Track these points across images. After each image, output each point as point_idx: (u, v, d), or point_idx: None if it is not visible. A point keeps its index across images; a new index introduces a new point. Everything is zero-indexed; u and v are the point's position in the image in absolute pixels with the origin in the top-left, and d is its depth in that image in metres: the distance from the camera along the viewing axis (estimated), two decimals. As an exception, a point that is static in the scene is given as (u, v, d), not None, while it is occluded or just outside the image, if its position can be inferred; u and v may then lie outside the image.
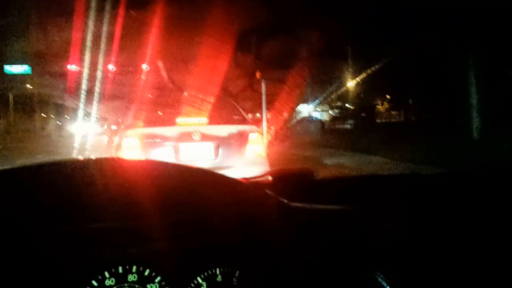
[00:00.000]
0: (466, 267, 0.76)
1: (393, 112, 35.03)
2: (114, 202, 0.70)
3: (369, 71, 17.23)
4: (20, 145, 20.23)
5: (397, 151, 10.20)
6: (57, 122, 34.85)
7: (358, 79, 20.13)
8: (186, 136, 5.02)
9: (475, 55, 12.89)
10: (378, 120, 30.57)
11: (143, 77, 14.53)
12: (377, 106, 33.34)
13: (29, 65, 24.20)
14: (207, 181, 0.68)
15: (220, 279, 0.84)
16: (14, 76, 26.20)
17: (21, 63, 24.24)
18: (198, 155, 4.99)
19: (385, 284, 0.61)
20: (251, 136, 5.28)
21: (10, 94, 29.80)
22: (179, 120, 5.31)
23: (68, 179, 0.66)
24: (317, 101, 25.31)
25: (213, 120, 5.37)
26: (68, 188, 0.67)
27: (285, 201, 0.68)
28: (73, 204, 0.71)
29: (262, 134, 7.56)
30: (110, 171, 0.66)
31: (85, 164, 0.68)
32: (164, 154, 4.90)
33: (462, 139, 12.29)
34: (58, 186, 0.67)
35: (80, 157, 0.69)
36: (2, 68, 25.12)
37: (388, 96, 32.10)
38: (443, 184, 1.20)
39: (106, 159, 0.68)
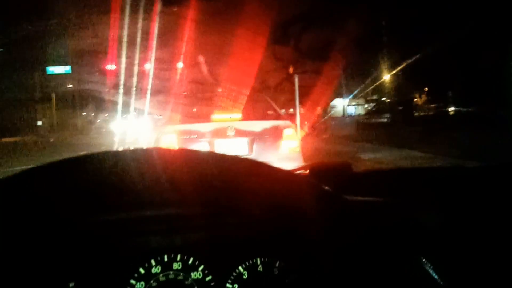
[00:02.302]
0: (510, 262, 0.74)
1: (431, 105, 33.96)
2: (156, 190, 0.72)
3: (406, 63, 16.77)
4: (64, 141, 21.11)
5: (436, 145, 9.90)
6: (97, 120, 35.94)
7: (394, 71, 19.65)
8: (221, 132, 5.08)
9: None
10: (416, 114, 29.73)
11: (179, 74, 14.72)
12: (414, 99, 32.39)
13: (70, 65, 25.08)
14: (248, 169, 0.69)
15: (261, 269, 0.85)
16: (56, 76, 27.26)
17: (62, 63, 25.17)
18: (233, 150, 5.04)
19: (431, 271, 0.60)
20: (286, 132, 5.28)
21: (52, 93, 30.99)
22: (214, 116, 5.38)
23: (110, 169, 0.68)
24: (353, 94, 24.92)
25: (247, 116, 5.41)
26: (110, 178, 0.69)
27: (329, 189, 0.68)
28: (116, 193, 0.73)
29: (296, 129, 7.53)
30: (150, 160, 0.68)
31: (126, 154, 0.69)
32: (200, 150, 4.98)
33: (504, 133, 11.78)
34: (101, 176, 0.69)
35: (120, 148, 0.72)
36: (45, 69, 26.19)
37: (426, 89, 31.14)
38: (488, 176, 1.16)
39: (146, 148, 0.70)
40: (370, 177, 1.31)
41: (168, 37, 13.61)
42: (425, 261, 0.62)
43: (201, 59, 13.75)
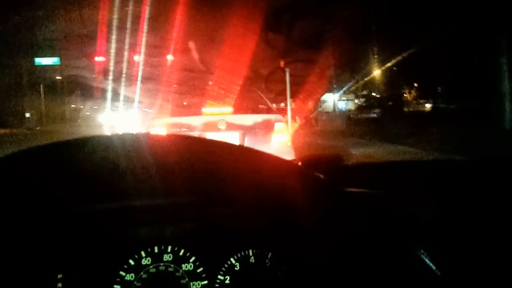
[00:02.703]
0: (504, 251, 0.75)
1: (421, 101, 34.24)
2: (146, 178, 0.70)
3: (396, 58, 16.86)
4: (52, 133, 20.90)
5: (426, 140, 9.99)
6: (86, 112, 35.58)
7: (385, 67, 19.73)
8: (211, 126, 5.06)
9: (507, 41, 12.43)
10: (405, 109, 29.94)
11: (170, 63, 14.57)
12: (404, 95, 32.61)
13: (58, 56, 24.72)
14: (241, 157, 0.67)
15: (253, 260, 0.84)
16: (44, 67, 26.88)
17: (51, 54, 24.80)
18: (224, 144, 5.02)
19: (428, 262, 0.60)
20: (277, 125, 5.27)
21: (41, 85, 30.58)
22: (204, 109, 5.36)
23: (98, 155, 0.65)
24: (343, 90, 25.00)
25: (238, 110, 5.39)
26: (99, 164, 0.67)
27: (323, 177, 0.67)
28: (105, 181, 0.71)
29: (287, 123, 7.54)
30: (140, 146, 0.66)
31: (115, 139, 0.67)
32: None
33: (493, 129, 11.92)
34: (89, 163, 0.66)
35: (109, 133, 0.69)
36: (33, 60, 25.79)
37: (415, 84, 31.36)
38: (479, 169, 1.17)
39: (135, 134, 0.67)
40: (362, 170, 1.31)
41: (158, 24, 13.45)
42: (422, 252, 0.61)
43: (191, 45, 13.60)
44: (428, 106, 32.36)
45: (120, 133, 0.67)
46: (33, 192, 0.68)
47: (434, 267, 0.60)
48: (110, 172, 0.68)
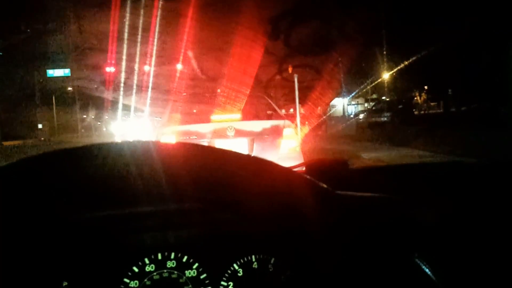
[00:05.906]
0: (508, 257, 0.73)
1: (431, 103, 33.96)
2: (151, 185, 0.70)
3: (406, 61, 16.77)
4: (64, 144, 21.13)
5: (437, 144, 9.90)
6: (98, 122, 35.94)
7: (394, 70, 19.63)
8: (220, 133, 5.07)
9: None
10: (416, 112, 29.71)
11: (178, 74, 14.74)
12: (414, 98, 32.38)
13: (69, 67, 25.11)
14: (245, 165, 0.68)
15: (256, 266, 0.84)
16: (56, 79, 27.29)
17: (62, 66, 25.19)
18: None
19: (425, 268, 0.59)
20: (285, 131, 5.27)
21: (52, 96, 31.02)
22: (213, 117, 5.38)
23: (105, 161, 0.65)
24: (352, 94, 24.92)
25: (247, 116, 5.40)
26: (105, 171, 0.66)
27: (325, 186, 0.67)
28: (111, 188, 0.71)
29: (296, 128, 7.52)
30: (147, 153, 0.66)
31: (121, 147, 0.67)
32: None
33: (505, 131, 11.76)
34: (95, 169, 0.66)
35: (116, 140, 0.69)
36: (45, 72, 26.21)
37: (426, 87, 31.11)
38: (486, 173, 1.16)
39: (142, 141, 0.67)
40: (367, 174, 1.30)
41: (165, 37, 13.65)
42: (419, 258, 0.61)
43: (191, 58, 13.76)
44: (436, 108, 32.10)
45: (129, 140, 0.67)
46: (38, 199, 0.68)
47: (430, 274, 0.59)
48: (115, 179, 0.68)
